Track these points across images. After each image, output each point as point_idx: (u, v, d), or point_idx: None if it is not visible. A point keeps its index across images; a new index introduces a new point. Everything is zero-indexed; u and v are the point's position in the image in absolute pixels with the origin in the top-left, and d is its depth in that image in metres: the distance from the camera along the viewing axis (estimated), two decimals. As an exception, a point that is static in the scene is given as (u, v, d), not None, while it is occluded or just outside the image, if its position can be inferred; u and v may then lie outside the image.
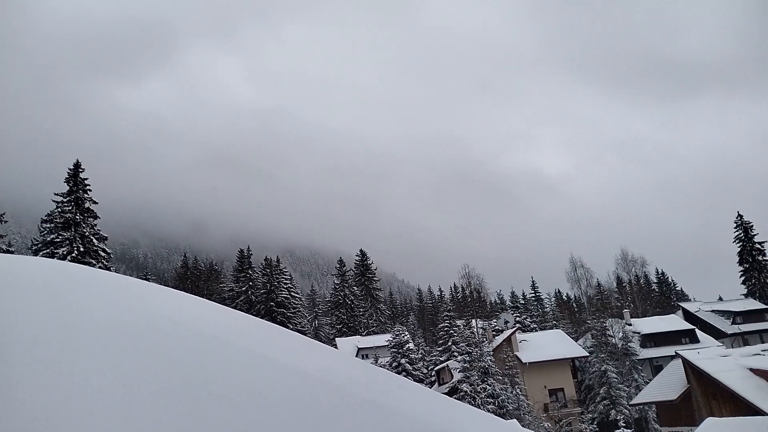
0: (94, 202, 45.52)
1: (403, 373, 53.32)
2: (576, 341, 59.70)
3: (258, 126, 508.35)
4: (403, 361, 54.84)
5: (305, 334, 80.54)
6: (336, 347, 67.66)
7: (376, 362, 55.76)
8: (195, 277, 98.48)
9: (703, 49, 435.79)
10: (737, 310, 68.49)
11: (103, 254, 44.30)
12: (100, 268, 38.58)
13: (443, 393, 48.25)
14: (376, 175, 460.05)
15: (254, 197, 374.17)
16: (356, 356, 64.18)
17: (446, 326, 61.92)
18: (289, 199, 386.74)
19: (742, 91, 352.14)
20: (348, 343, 68.65)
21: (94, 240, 43.95)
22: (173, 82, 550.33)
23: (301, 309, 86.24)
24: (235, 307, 78.38)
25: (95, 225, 45.21)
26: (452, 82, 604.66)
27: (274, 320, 74.31)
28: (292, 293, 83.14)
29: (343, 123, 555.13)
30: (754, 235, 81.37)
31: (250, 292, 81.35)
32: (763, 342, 56.06)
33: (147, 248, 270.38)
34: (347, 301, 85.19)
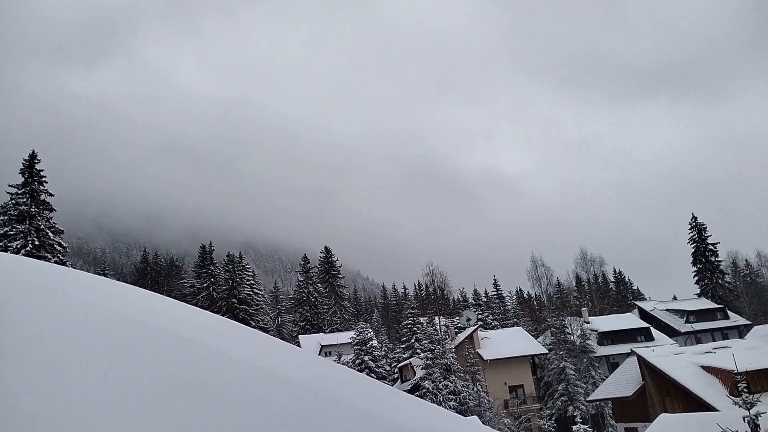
0: (50, 194, 44.17)
1: (366, 370, 53.38)
2: (536, 339, 60.74)
3: (216, 117, 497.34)
4: (366, 358, 54.89)
5: (268, 332, 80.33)
6: (299, 345, 67.26)
7: (339, 360, 55.65)
8: (155, 272, 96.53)
9: (658, 53, 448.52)
10: (690, 309, 70.75)
11: (59, 248, 43.04)
12: (55, 262, 37.46)
13: (405, 390, 48.53)
14: (338, 170, 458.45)
15: (213, 190, 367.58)
16: (319, 354, 63.92)
17: (410, 324, 62.30)
18: (250, 192, 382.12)
19: (694, 96, 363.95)
20: (311, 341, 68.28)
21: (50, 233, 42.66)
22: (127, 69, 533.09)
23: (264, 306, 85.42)
24: (196, 304, 77.40)
25: (51, 218, 43.87)
26: (413, 78, 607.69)
27: (236, 317, 73.43)
28: (255, 290, 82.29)
29: (304, 116, 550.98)
30: (708, 236, 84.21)
31: (211, 289, 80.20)
32: (714, 340, 58.09)
33: (105, 242, 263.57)
34: (311, 299, 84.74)
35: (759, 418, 16.01)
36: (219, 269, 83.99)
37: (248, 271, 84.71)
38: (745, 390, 17.16)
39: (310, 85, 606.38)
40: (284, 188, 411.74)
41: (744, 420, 16.14)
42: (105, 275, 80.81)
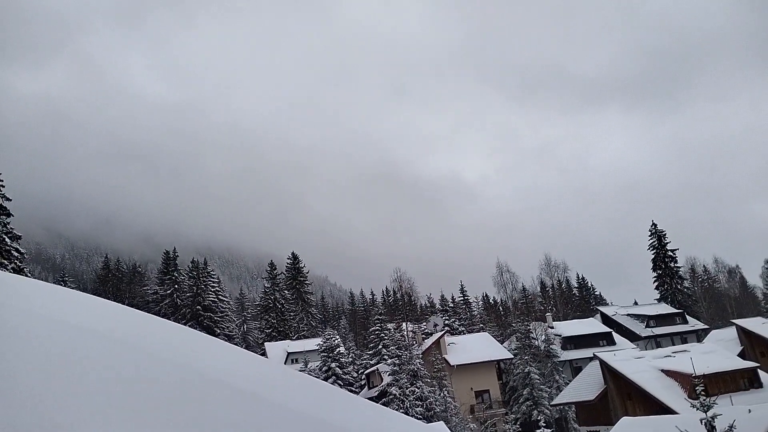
0: (7, 199, 42.78)
1: (333, 377, 53.09)
2: (502, 344, 61.35)
3: (169, 120, 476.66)
4: (333, 365, 54.59)
5: (233, 339, 78.93)
6: (265, 352, 66.56)
7: (306, 367, 55.25)
8: (117, 279, 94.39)
9: (608, 65, 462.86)
10: (651, 314, 72.50)
11: (16, 254, 41.67)
12: (12, 269, 36.30)
13: (372, 396, 48.48)
14: (299, 175, 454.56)
15: (170, 194, 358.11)
16: (286, 361, 63.36)
17: (377, 330, 62.17)
18: (209, 197, 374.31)
19: (646, 106, 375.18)
20: (277, 348, 67.62)
21: (7, 239, 41.28)
22: (75, 69, 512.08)
23: (230, 313, 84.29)
24: (159, 311, 75.47)
25: (8, 223, 42.48)
26: (371, 83, 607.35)
27: (200, 324, 72.29)
28: (220, 296, 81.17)
29: (260, 121, 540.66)
30: (667, 243, 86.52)
31: (175, 296, 78.79)
32: (674, 344, 59.54)
33: (65, 248, 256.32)
34: (277, 305, 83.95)
35: (715, 420, 16.49)
36: (183, 276, 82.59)
37: (213, 278, 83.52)
38: (703, 393, 17.65)
39: (265, 89, 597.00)
40: (244, 193, 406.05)
41: (701, 422, 16.60)
42: (64, 283, 78.72)
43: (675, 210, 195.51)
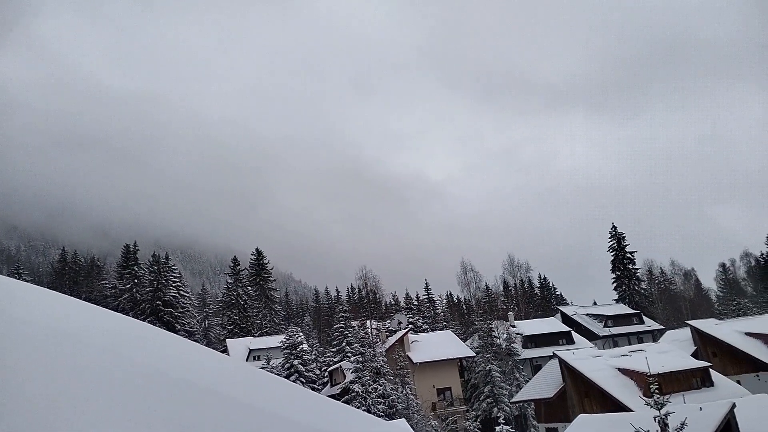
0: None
1: (296, 374, 52.80)
2: (464, 342, 61.96)
3: (128, 111, 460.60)
4: (296, 362, 54.28)
5: (194, 335, 77.71)
6: (226, 348, 65.74)
7: (269, 364, 54.78)
8: (74, 272, 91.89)
9: (571, 72, 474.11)
10: (609, 314, 74.27)
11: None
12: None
13: (335, 394, 48.40)
14: (263, 171, 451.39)
15: (133, 187, 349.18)
16: (248, 358, 62.73)
17: (341, 327, 62.10)
18: (170, 190, 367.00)
19: (607, 112, 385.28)
20: (239, 345, 66.89)
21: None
22: (27, 53, 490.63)
23: (191, 309, 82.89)
24: (117, 306, 73.79)
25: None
26: (338, 80, 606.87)
27: (160, 320, 70.95)
28: (182, 292, 79.76)
29: (223, 115, 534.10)
30: (626, 245, 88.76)
31: (135, 290, 77.10)
32: (630, 344, 61.11)
33: (20, 240, 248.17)
34: (240, 301, 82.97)
35: (668, 417, 16.98)
36: (143, 270, 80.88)
37: (174, 273, 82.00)
38: (657, 391, 18.14)
39: (229, 82, 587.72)
40: (207, 186, 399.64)
41: (655, 420, 17.07)
42: (19, 275, 76.16)
43: (634, 213, 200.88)
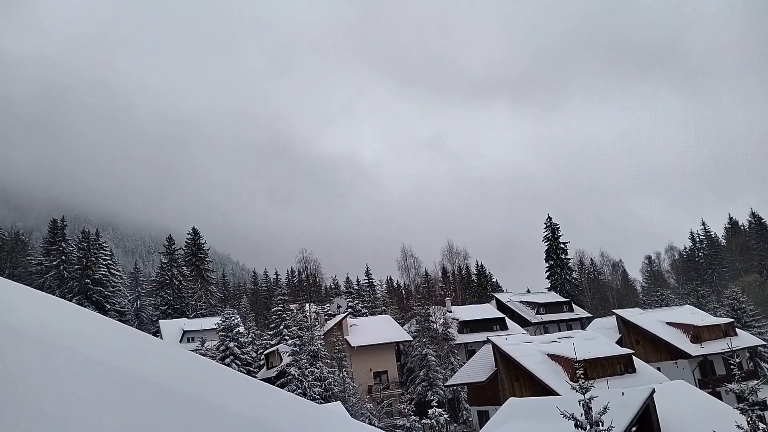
0: None
1: (231, 356, 52.03)
2: (402, 326, 62.65)
3: (36, 78, 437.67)
4: (231, 344, 53.45)
5: (125, 315, 75.20)
6: (159, 329, 64.02)
7: (203, 346, 53.73)
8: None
9: (492, 62, 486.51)
10: (541, 301, 76.76)
11: None
12: None
13: (271, 377, 48.01)
14: (189, 144, 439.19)
15: (44, 157, 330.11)
16: (181, 339, 61.30)
17: (279, 310, 61.54)
18: (91, 163, 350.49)
19: (529, 104, 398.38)
20: (173, 326, 65.28)
21: None
22: None
23: (122, 288, 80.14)
24: (43, 284, 70.39)
25: None
26: (259, 61, 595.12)
27: (89, 299, 68.30)
28: (112, 270, 76.92)
29: (138, 85, 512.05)
30: (560, 236, 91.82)
31: (62, 267, 73.75)
32: (560, 331, 63.48)
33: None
34: (175, 282, 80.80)
35: (592, 401, 17.72)
36: (72, 247, 77.41)
37: (105, 250, 78.94)
38: (583, 376, 18.89)
39: (141, 54, 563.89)
40: (125, 159, 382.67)
41: (579, 403, 17.78)
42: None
43: (563, 205, 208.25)
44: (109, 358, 3.22)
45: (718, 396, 36.12)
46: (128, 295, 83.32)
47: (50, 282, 71.08)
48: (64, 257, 74.41)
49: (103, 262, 74.92)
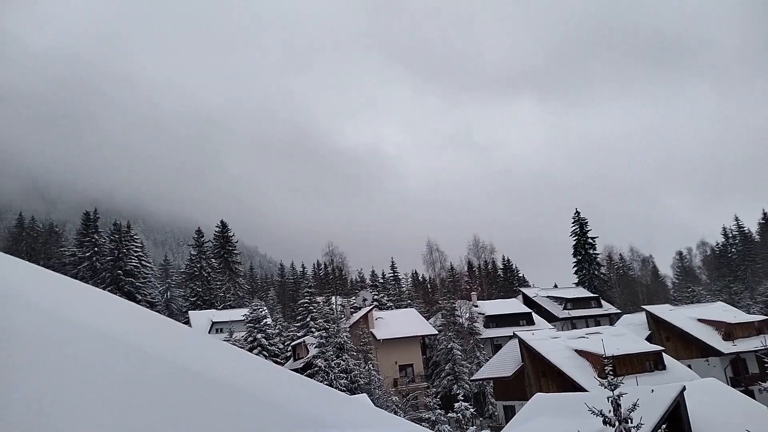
0: None
1: (258, 348, 52.70)
2: (428, 320, 62.70)
3: (59, 70, 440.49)
4: (259, 336, 54.11)
5: (155, 306, 76.76)
6: (188, 320, 65.17)
7: (231, 337, 54.52)
8: (32, 239, 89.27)
9: (516, 56, 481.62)
10: (569, 297, 75.97)
11: None
12: None
13: (298, 368, 48.50)
14: (214, 139, 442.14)
15: (74, 150, 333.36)
16: (210, 330, 62.30)
17: (306, 302, 62.07)
18: (120, 157, 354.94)
19: (554, 99, 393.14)
20: (202, 317, 66.32)
21: None
22: None
23: (153, 279, 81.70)
24: (76, 274, 72.13)
25: None
26: (280, 56, 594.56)
27: (121, 290, 69.81)
28: (143, 262, 78.43)
29: (162, 80, 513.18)
30: (588, 231, 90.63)
31: (95, 258, 75.48)
32: (588, 326, 62.66)
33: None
34: (204, 274, 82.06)
35: (621, 398, 17.51)
36: (104, 238, 79.12)
37: (136, 242, 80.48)
38: (611, 373, 18.68)
39: (161, 49, 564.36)
40: (151, 153, 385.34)
41: (608, 400, 17.58)
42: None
43: (590, 198, 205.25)
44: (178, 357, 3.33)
45: (751, 395, 35.33)
46: (158, 286, 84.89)
47: (83, 273, 72.81)
48: (96, 249, 76.12)
49: (135, 254, 76.41)
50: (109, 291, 66.54)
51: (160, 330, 4.17)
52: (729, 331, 46.18)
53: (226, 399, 3.24)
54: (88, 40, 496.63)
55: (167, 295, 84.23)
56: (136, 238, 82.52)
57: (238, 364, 4.28)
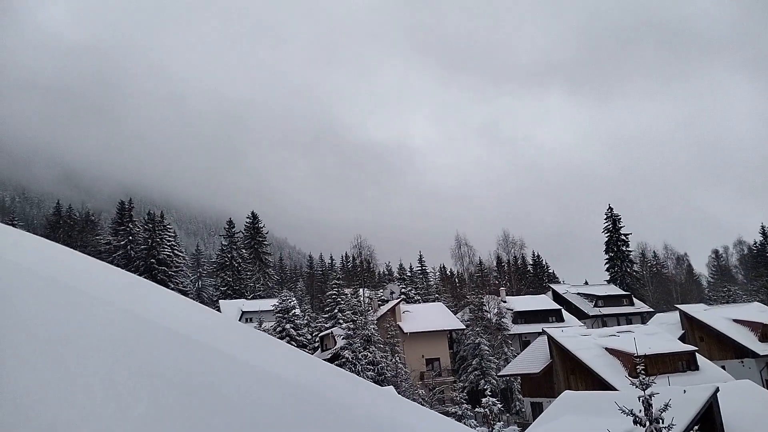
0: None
1: (287, 338, 53.32)
2: (455, 314, 62.52)
3: (89, 62, 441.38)
4: (287, 326, 54.75)
5: (187, 294, 78.38)
6: (219, 309, 66.27)
7: (260, 326, 55.26)
8: (68, 227, 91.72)
9: (546, 48, 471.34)
10: (599, 294, 74.87)
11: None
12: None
13: (325, 359, 48.89)
14: (240, 131, 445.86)
15: (118, 144, 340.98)
16: (240, 319, 63.23)
17: (334, 294, 62.53)
18: (166, 152, 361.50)
19: (586, 91, 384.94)
20: (232, 306, 67.34)
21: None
22: None
23: (185, 268, 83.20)
24: (111, 262, 74.07)
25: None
26: (307, 50, 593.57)
27: (154, 278, 71.23)
28: (176, 251, 79.92)
29: (190, 71, 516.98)
30: (621, 227, 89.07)
31: (129, 247, 77.20)
32: (619, 324, 61.73)
33: (15, 191, 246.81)
34: (234, 264, 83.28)
35: (652, 398, 17.23)
36: (138, 228, 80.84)
37: (169, 232, 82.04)
38: (643, 372, 18.38)
39: (190, 43, 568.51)
40: (185, 150, 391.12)
41: (639, 400, 17.32)
42: (13, 225, 75.95)
43: (622, 194, 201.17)
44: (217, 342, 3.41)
45: (789, 398, 34.39)
46: (190, 275, 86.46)
47: (118, 261, 74.54)
48: (131, 237, 77.84)
49: (167, 243, 77.91)
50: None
51: (195, 316, 4.28)
52: (765, 332, 44.96)
53: (261, 384, 3.30)
54: (118, 32, 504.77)
55: (199, 284, 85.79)
56: (170, 228, 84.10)
57: (271, 351, 4.35)
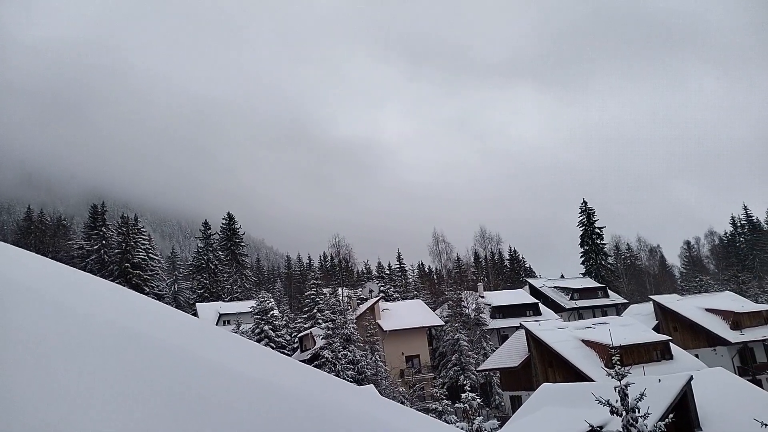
0: None
1: (266, 339, 52.99)
2: (434, 311, 62.78)
3: (50, 61, 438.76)
4: (266, 327, 54.41)
5: (163, 298, 77.19)
6: (196, 312, 65.53)
7: (239, 328, 54.82)
8: (40, 232, 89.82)
9: (515, 44, 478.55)
10: (575, 287, 75.89)
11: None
12: None
13: (305, 359, 48.72)
14: (211, 130, 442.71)
15: (90, 148, 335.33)
16: (217, 322, 62.64)
17: (313, 294, 62.34)
18: (137, 154, 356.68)
19: (554, 86, 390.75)
20: (209, 309, 66.64)
21: None
22: None
23: (160, 272, 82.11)
24: (84, 267, 72.40)
25: None
26: (272, 45, 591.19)
27: (128, 282, 70.18)
28: (151, 254, 78.84)
29: (151, 70, 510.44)
30: (595, 221, 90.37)
31: (102, 252, 75.91)
32: (595, 317, 62.58)
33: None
34: (210, 266, 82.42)
35: (628, 388, 17.50)
36: (112, 231, 79.51)
37: (144, 235, 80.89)
38: (618, 363, 18.65)
39: (162, 42, 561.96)
40: (150, 145, 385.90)
41: (615, 389, 17.58)
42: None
43: (596, 188, 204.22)
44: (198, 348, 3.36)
45: (759, 384, 35.29)
46: (166, 278, 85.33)
47: (91, 266, 73.27)
48: (104, 242, 76.53)
49: (142, 247, 76.80)
50: (117, 283, 66.97)
51: (170, 321, 4.22)
52: (737, 321, 46.05)
53: (236, 388, 3.28)
54: (81, 32, 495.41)
55: (175, 288, 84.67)
56: (144, 231, 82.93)
57: (246, 354, 4.32)
